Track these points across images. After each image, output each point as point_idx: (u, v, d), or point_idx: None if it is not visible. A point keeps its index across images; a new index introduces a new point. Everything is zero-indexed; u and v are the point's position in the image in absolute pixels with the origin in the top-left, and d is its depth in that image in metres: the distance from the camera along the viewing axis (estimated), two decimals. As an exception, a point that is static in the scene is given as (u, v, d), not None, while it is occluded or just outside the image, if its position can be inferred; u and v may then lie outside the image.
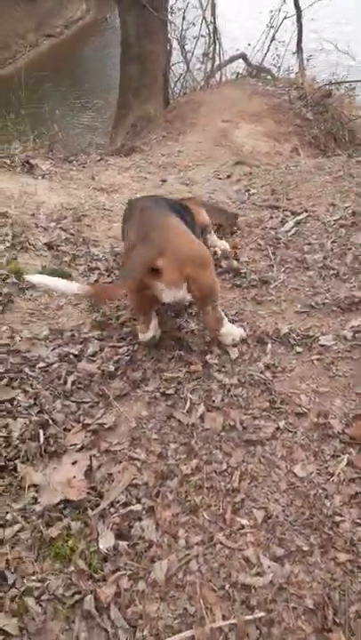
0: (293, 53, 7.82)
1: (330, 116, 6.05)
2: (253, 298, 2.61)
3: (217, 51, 8.40)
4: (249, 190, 3.88)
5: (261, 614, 1.48)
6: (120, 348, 2.35)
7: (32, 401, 2.04)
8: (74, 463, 1.87)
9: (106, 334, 2.43)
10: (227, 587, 1.54)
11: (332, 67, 7.40)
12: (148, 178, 4.24)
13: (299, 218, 3.15)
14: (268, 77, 7.09)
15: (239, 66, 8.74)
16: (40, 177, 3.81)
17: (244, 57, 8.93)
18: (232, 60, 9.11)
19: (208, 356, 2.27)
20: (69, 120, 11.94)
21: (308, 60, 7.55)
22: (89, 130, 11.85)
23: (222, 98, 6.23)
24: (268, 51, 7.85)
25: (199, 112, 6.04)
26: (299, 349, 2.26)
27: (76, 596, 1.51)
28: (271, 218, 3.29)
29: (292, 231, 3.04)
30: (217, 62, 8.59)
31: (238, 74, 7.73)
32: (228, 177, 4.30)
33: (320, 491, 1.74)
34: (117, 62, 8.62)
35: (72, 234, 3.14)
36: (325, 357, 2.18)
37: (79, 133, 11.52)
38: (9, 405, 2.02)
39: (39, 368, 2.20)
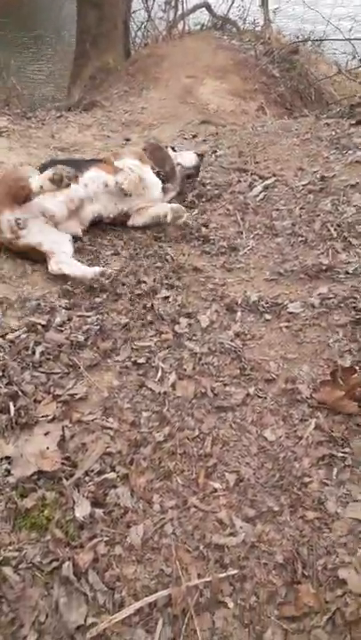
0: (259, 6, 7.57)
1: (297, 74, 5.96)
2: (223, 265, 2.61)
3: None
4: (216, 151, 3.81)
5: (235, 571, 1.55)
6: (89, 317, 2.32)
7: (0, 372, 2.00)
8: (46, 434, 1.86)
9: (73, 303, 2.39)
10: (201, 547, 1.60)
11: (299, 20, 7.23)
12: (111, 136, 4.10)
13: (267, 182, 3.13)
14: (233, 30, 6.85)
15: (203, 16, 8.42)
16: (-3, 135, 3.63)
17: (207, 6, 8.58)
18: (195, 8, 8.75)
19: (178, 326, 2.27)
20: (22, 71, 11.30)
21: (274, 12, 7.33)
22: (44, 82, 11.29)
23: (186, 51, 6.01)
24: (233, 1, 7.56)
25: (162, 66, 5.82)
26: (268, 317, 2.29)
27: (54, 563, 1.54)
28: (239, 182, 3.26)
29: (261, 196, 3.03)
30: (180, 11, 8.23)
31: (202, 25, 7.45)
32: (194, 137, 4.21)
33: (289, 453, 1.81)
34: (74, 6, 8.15)
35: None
36: (294, 324, 2.22)
37: (34, 85, 10.96)
38: (-25, 377, 1.98)
39: (5, 339, 2.15)
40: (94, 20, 8.24)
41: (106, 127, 4.26)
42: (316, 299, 2.29)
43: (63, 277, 2.51)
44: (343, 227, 2.61)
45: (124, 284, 2.50)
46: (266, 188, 3.10)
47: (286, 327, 2.23)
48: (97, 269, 2.54)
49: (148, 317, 2.34)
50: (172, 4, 8.39)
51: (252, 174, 3.33)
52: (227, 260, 2.63)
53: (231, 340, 2.20)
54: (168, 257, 2.71)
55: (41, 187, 2.52)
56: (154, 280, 2.55)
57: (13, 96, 4.74)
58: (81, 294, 2.45)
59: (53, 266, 2.52)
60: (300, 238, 2.64)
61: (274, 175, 3.22)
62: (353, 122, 3.61)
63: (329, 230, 2.61)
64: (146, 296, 2.46)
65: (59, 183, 2.53)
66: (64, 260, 2.55)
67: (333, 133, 3.58)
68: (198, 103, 5.04)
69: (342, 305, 2.23)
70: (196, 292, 2.49)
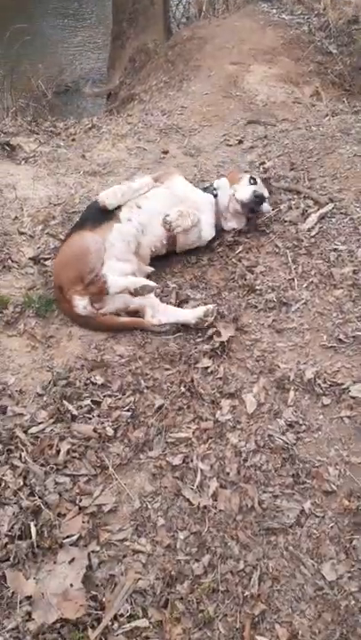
0: None
1: (357, 48, 5.29)
2: (272, 325, 2.27)
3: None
4: (264, 163, 3.39)
5: None
6: (120, 399, 2.06)
7: (21, 481, 1.79)
8: (71, 561, 1.65)
9: (105, 379, 2.13)
10: None
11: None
12: (148, 149, 3.74)
13: (323, 211, 2.71)
14: (286, 4, 6.16)
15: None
16: (23, 161, 3.36)
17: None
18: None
19: (220, 411, 1.98)
20: (55, 42, 10.84)
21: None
22: (82, 56, 10.85)
23: (231, 32, 5.45)
24: None
25: (204, 51, 5.31)
26: (326, 401, 1.95)
27: None
28: (290, 208, 2.85)
29: (316, 229, 2.63)
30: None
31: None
32: (240, 142, 3.78)
33: (352, 602, 1.51)
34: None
35: (61, 239, 2.76)
36: (357, 414, 1.88)
37: (70, 59, 10.54)
38: (-4, 487, 1.78)
39: (29, 434, 1.93)
40: (130, -3, 7.69)
41: (142, 136, 3.90)
42: (386, 379, 1.92)
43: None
44: None
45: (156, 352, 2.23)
46: (322, 218, 2.69)
47: (348, 417, 1.89)
48: (199, 311, 2.29)
49: (186, 397, 2.05)
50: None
51: (305, 198, 2.91)
52: (277, 318, 2.29)
53: (283, 433, 1.89)
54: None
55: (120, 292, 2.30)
56: (194, 344, 2.25)
57: (42, 105, 4.41)
58: (115, 364, 2.20)
59: (152, 320, 2.32)
60: (363, 292, 2.25)
61: (331, 200, 2.79)
62: None
63: None
64: (184, 365, 2.16)
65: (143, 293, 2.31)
66: (162, 309, 2.34)
67: None
68: (245, 95, 4.55)
69: None
70: (241, 360, 2.18)
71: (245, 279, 2.49)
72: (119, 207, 2.50)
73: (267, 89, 4.70)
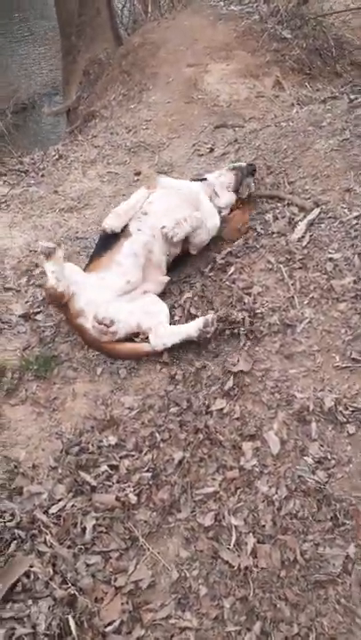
0: None
1: (310, 29, 5.17)
2: (280, 351, 2.18)
3: None
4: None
5: None
6: (137, 458, 1.97)
7: (51, 569, 1.70)
8: (118, 654, 1.56)
9: (119, 438, 2.04)
10: None
11: None
12: (119, 172, 3.62)
13: (310, 217, 2.61)
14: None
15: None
16: (-4, 209, 3.24)
17: None
18: None
19: (243, 457, 1.89)
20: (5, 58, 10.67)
21: None
22: (33, 72, 10.68)
23: (181, 32, 5.30)
24: None
25: (158, 56, 5.17)
26: (351, 429, 1.87)
27: None
28: (276, 218, 2.75)
29: (306, 239, 2.53)
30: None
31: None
32: (211, 151, 3.68)
33: None
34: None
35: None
36: (386, 441, 1.79)
37: (22, 77, 10.37)
38: (25, 580, 1.68)
39: (50, 514, 1.84)
40: (74, 9, 7.56)
41: (111, 159, 3.78)
42: None
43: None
44: None
45: (165, 397, 2.13)
46: (310, 225, 2.59)
47: (378, 445, 1.79)
48: (200, 323, 2.26)
49: (205, 446, 1.96)
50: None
51: (289, 204, 2.80)
52: (284, 343, 2.19)
53: (313, 472, 1.80)
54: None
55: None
56: (206, 387, 2.16)
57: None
58: (126, 419, 2.10)
59: (155, 344, 2.28)
60: (368, 302, 2.16)
61: (316, 204, 2.69)
62: None
63: None
64: (197, 412, 2.07)
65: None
66: (162, 333, 2.29)
67: (378, 127, 2.96)
68: (207, 98, 4.43)
69: None
70: (256, 393, 2.09)
71: (244, 303, 2.39)
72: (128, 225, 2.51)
73: (228, 87, 4.59)
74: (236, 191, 2.87)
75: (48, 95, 10.15)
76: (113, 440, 2.04)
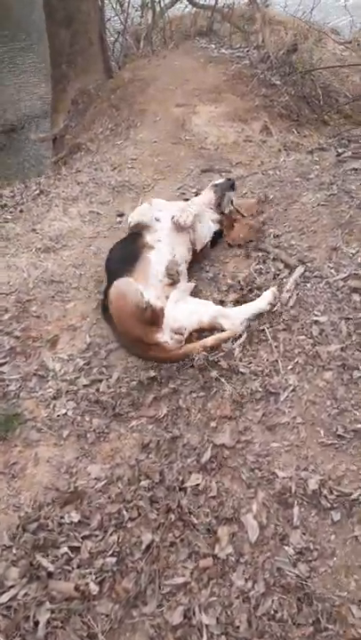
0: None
1: (299, 77, 5.21)
2: (262, 421, 2.04)
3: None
4: (225, 219, 3.18)
5: None
6: (102, 539, 1.79)
7: None
8: None
9: (83, 515, 1.86)
10: None
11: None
12: (102, 212, 3.50)
13: (295, 276, 2.51)
14: (222, 29, 6.09)
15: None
16: (-31, 247, 3.08)
17: (188, -4, 7.78)
18: (174, 2, 7.97)
19: (218, 545, 1.72)
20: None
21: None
22: (23, 94, 10.66)
23: (172, 72, 5.31)
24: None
25: (147, 93, 5.14)
26: (335, 516, 1.73)
27: None
28: (260, 273, 2.64)
29: (293, 298, 2.42)
30: (157, 10, 7.46)
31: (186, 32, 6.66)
32: (197, 194, 3.58)
33: None
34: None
35: (17, 337, 2.49)
36: (374, 533, 1.65)
37: (10, 99, 10.36)
38: None
39: (1, 604, 1.64)
40: (66, 39, 7.53)
41: (94, 198, 3.66)
42: None
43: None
44: None
45: (136, 467, 1.97)
46: (296, 284, 2.49)
47: (364, 537, 1.65)
48: (270, 296, 2.43)
49: (177, 528, 1.79)
50: (149, 4, 7.63)
51: (274, 259, 2.71)
52: (266, 412, 2.06)
53: (294, 565, 1.65)
54: (186, 406, 2.16)
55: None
56: (182, 457, 2.00)
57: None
58: (91, 492, 1.93)
59: (236, 328, 2.35)
60: (356, 373, 2.04)
61: (302, 262, 2.60)
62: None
63: (394, 362, 2.01)
64: (170, 488, 1.91)
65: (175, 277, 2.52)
66: (234, 314, 2.39)
67: (366, 185, 2.91)
68: (194, 139, 4.38)
69: None
70: (235, 469, 1.94)
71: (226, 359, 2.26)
72: (143, 238, 2.66)
73: (216, 130, 4.55)
74: (219, 206, 3.04)
75: (36, 120, 10.11)
76: (75, 517, 1.86)
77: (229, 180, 3.14)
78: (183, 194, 3.63)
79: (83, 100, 7.37)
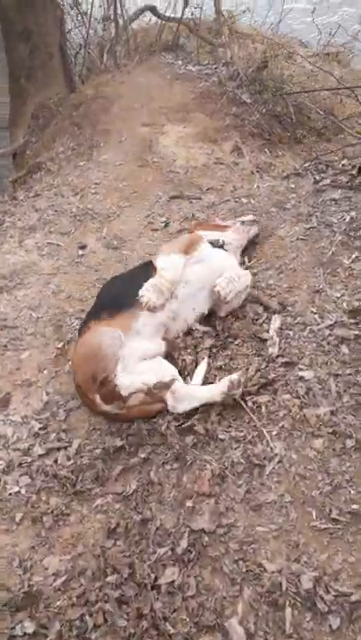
0: None
1: (270, 95, 5.04)
2: (245, 498, 1.79)
3: (119, 10, 7.02)
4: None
5: None
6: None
7: None
8: None
9: (36, 626, 1.57)
10: None
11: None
12: (62, 244, 3.21)
13: (276, 324, 2.29)
14: (191, 53, 5.90)
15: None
16: None
17: (152, 9, 7.58)
18: (138, 14, 7.76)
19: (202, 660, 1.46)
20: None
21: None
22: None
23: (137, 89, 5.06)
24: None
25: (111, 112, 4.88)
26: (334, 623, 1.48)
27: None
28: (237, 318, 2.41)
29: (275, 350, 2.19)
30: (121, 22, 7.23)
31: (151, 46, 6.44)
32: (166, 225, 3.34)
33: None
34: None
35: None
36: (380, 646, 1.41)
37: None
38: None
39: None
40: (25, 53, 7.22)
41: (53, 227, 3.38)
42: None
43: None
44: None
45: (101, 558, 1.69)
46: (277, 333, 2.26)
47: (369, 651, 1.41)
48: (223, 385, 2.03)
49: (151, 639, 1.52)
50: (112, 17, 7.40)
51: (251, 301, 2.48)
52: (250, 488, 1.82)
53: None
54: (158, 481, 1.90)
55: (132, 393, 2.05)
56: (154, 545, 1.73)
57: None
58: (49, 591, 1.63)
59: (173, 407, 2.05)
60: (348, 442, 1.82)
61: (282, 305, 2.38)
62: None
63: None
64: (141, 585, 1.64)
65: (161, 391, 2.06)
66: (182, 395, 2.04)
67: (347, 217, 2.72)
68: (162, 162, 4.14)
69: None
70: (216, 559, 1.68)
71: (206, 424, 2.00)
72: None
73: (185, 151, 4.33)
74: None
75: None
76: (30, 627, 1.57)
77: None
78: (151, 223, 3.38)
79: (43, 114, 7.06)
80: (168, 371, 2.08)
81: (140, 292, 2.23)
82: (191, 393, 2.05)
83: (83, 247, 3.19)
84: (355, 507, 1.67)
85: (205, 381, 2.15)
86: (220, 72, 5.20)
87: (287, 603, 1.54)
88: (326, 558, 1.60)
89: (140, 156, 4.21)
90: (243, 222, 2.81)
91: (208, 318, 2.48)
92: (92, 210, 3.54)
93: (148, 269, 2.36)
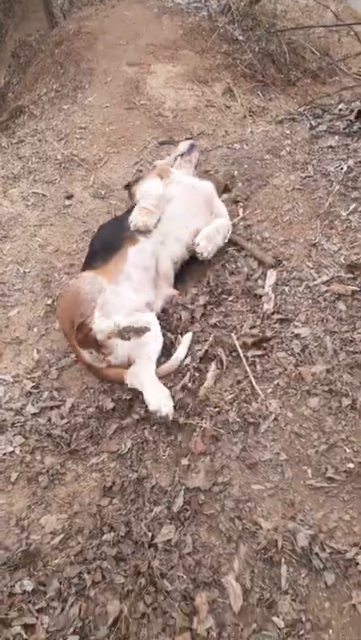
0: None
1: (263, 32, 4.76)
2: (241, 456, 1.79)
3: None
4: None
5: None
6: (60, 612, 1.53)
7: None
8: None
9: (35, 584, 1.58)
10: None
11: None
12: (47, 194, 3.07)
13: (271, 280, 2.22)
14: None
15: None
16: None
17: None
18: None
19: (196, 618, 1.49)
20: None
21: None
22: None
23: (122, 24, 4.73)
24: None
25: (95, 49, 4.58)
26: (329, 579, 1.51)
27: None
28: (232, 273, 2.35)
29: (271, 306, 2.14)
30: None
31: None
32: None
33: None
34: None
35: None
36: (374, 600, 1.45)
37: None
38: None
39: None
40: (2, -17, 6.73)
41: (38, 176, 3.22)
42: None
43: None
44: None
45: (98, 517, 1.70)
46: (272, 289, 2.20)
47: (363, 605, 1.45)
48: (155, 403, 1.88)
49: (150, 594, 1.55)
50: None
51: (246, 255, 2.41)
52: (246, 446, 1.81)
53: (283, 640, 1.43)
54: (153, 439, 1.89)
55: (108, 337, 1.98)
56: (150, 503, 1.74)
57: None
58: (47, 549, 1.65)
59: (125, 379, 2.00)
60: (345, 401, 1.81)
61: (278, 260, 2.31)
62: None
63: (387, 387, 1.78)
64: (138, 542, 1.65)
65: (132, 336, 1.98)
66: (135, 372, 1.98)
67: (344, 166, 2.61)
68: (150, 104, 3.92)
69: None
70: (211, 517, 1.69)
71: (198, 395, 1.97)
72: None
73: (174, 93, 4.10)
74: None
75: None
76: (29, 585, 1.59)
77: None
78: (140, 171, 3.23)
79: (24, 53, 6.67)
80: (144, 317, 2.03)
81: (130, 219, 2.26)
82: (142, 375, 1.97)
83: (69, 197, 3.06)
84: (350, 465, 1.68)
85: (192, 347, 2.09)
86: (210, 5, 4.88)
87: (283, 560, 1.56)
88: (322, 516, 1.61)
89: (127, 98, 3.99)
90: (184, 154, 2.80)
91: (202, 274, 2.41)
92: (78, 156, 3.38)
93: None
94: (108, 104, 3.95)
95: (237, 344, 2.04)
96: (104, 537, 1.69)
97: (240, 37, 4.75)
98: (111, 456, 1.89)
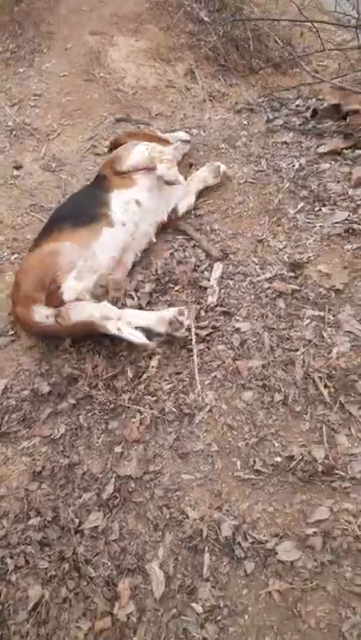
0: None
1: (229, 16, 4.69)
2: (174, 446, 1.81)
3: None
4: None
5: None
6: (-19, 601, 1.51)
7: None
8: None
9: None
10: None
11: None
12: (-5, 163, 2.95)
13: (217, 273, 2.24)
14: None
15: None
16: None
17: None
18: None
19: (117, 603, 1.52)
20: None
21: None
22: None
23: (87, -10, 4.55)
24: None
25: (57, 13, 4.38)
26: (248, 567, 1.57)
27: None
28: (180, 263, 2.34)
29: (214, 300, 2.16)
30: None
31: None
32: (111, 150, 3.12)
33: None
34: None
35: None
36: (288, 589, 1.52)
37: None
38: None
39: None
40: None
41: (-14, 143, 3.08)
42: (317, 537, 1.57)
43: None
44: (335, 379, 1.84)
45: (25, 501, 1.69)
46: (217, 282, 2.22)
47: (278, 592, 1.52)
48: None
49: (72, 579, 1.56)
50: None
51: (194, 245, 2.41)
52: (179, 436, 1.84)
53: (201, 626, 1.49)
54: (87, 425, 1.89)
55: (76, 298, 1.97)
56: (79, 489, 1.74)
57: None
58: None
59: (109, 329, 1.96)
60: (277, 396, 1.86)
61: (224, 253, 2.33)
62: (323, 149, 2.67)
63: (316, 386, 1.84)
64: (64, 528, 1.66)
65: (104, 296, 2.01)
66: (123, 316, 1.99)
67: (296, 164, 2.65)
68: (110, 78, 3.81)
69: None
70: (140, 504, 1.72)
71: (141, 379, 1.98)
72: (109, 206, 2.28)
73: (135, 68, 4.00)
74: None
75: None
76: None
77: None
78: (94, 147, 3.15)
79: (-20, 5, 6.27)
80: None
81: (160, 173, 2.36)
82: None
83: (18, 167, 2.95)
84: (278, 459, 1.74)
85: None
86: (178, -19, 4.74)
87: (206, 548, 1.61)
88: (247, 508, 1.67)
89: (87, 68, 3.86)
90: (184, 141, 2.88)
91: (150, 261, 2.39)
92: (31, 125, 3.25)
93: (102, 182, 2.38)
94: (66, 72, 3.81)
95: (193, 336, 2.04)
96: (30, 521, 1.68)
97: (205, 18, 4.67)
98: (43, 440, 1.87)
